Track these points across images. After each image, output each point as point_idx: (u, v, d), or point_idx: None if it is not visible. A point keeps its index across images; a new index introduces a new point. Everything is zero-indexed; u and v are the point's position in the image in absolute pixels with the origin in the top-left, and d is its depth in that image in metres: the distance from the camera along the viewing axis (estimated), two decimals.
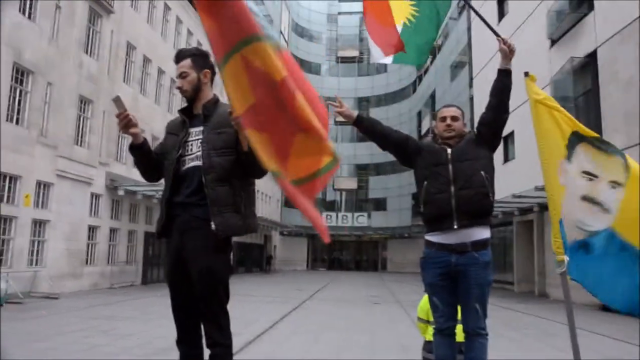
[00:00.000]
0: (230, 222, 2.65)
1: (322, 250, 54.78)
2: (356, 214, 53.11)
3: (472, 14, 28.07)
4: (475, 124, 3.47)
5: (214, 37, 2.44)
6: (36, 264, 15.10)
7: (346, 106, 3.51)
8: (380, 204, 53.03)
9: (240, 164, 2.70)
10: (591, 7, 15.83)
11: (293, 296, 17.08)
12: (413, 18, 3.73)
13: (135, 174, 17.65)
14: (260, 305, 13.85)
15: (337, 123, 51.76)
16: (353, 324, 10.44)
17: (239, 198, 2.71)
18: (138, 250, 21.15)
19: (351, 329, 9.55)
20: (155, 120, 21.93)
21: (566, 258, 3.30)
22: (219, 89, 3.04)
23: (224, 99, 2.88)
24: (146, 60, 21.95)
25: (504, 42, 3.26)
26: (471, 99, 28.03)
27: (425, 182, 3.32)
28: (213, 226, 2.62)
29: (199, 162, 2.75)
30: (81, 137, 17.39)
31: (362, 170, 54.64)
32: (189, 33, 26.60)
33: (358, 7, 58.11)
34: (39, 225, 15.29)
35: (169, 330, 2.88)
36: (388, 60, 3.88)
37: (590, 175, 3.36)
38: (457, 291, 3.23)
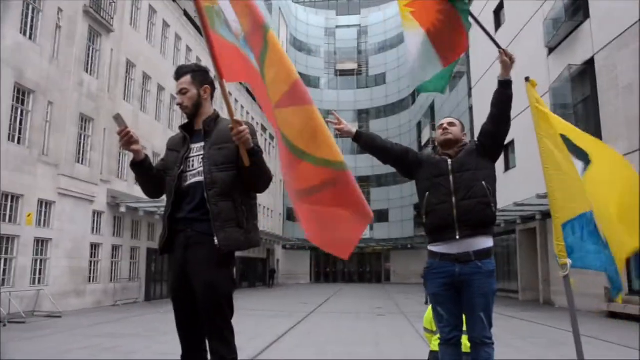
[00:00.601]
0: (233, 237, 2.65)
1: (325, 263, 54.61)
2: None
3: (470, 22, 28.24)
4: (476, 134, 3.48)
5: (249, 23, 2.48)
6: (39, 282, 15.08)
7: (345, 123, 3.54)
8: (382, 216, 52.94)
9: (241, 179, 2.71)
10: (587, 15, 15.94)
11: (297, 310, 17.00)
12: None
13: (137, 191, 17.71)
14: (265, 319, 13.78)
15: (337, 136, 51.90)
16: (358, 336, 10.38)
17: (242, 213, 2.72)
18: (141, 266, 21.11)
19: (356, 342, 9.49)
20: (156, 136, 22.00)
21: (569, 261, 3.30)
22: (219, 105, 3.06)
23: (224, 114, 2.90)
24: (146, 78, 22.08)
25: (505, 53, 3.28)
26: (470, 108, 28.13)
27: (427, 194, 3.33)
28: (216, 241, 2.62)
29: (200, 178, 2.75)
30: (82, 155, 17.45)
31: (364, 182, 54.57)
32: (188, 49, 26.78)
33: (355, 20, 58.60)
34: (41, 243, 15.29)
35: (173, 346, 2.87)
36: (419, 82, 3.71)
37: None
38: (462, 301, 3.22)
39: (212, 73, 2.80)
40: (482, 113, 20.57)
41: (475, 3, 26.61)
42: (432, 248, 3.34)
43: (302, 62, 56.11)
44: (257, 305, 19.24)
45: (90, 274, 17.73)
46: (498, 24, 24.00)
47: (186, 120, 3.00)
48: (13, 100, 14.12)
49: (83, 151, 17.51)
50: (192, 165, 2.83)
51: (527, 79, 3.60)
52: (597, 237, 3.36)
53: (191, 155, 2.86)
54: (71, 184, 16.40)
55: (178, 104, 2.96)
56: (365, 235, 51.96)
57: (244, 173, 2.68)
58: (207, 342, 2.74)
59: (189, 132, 2.93)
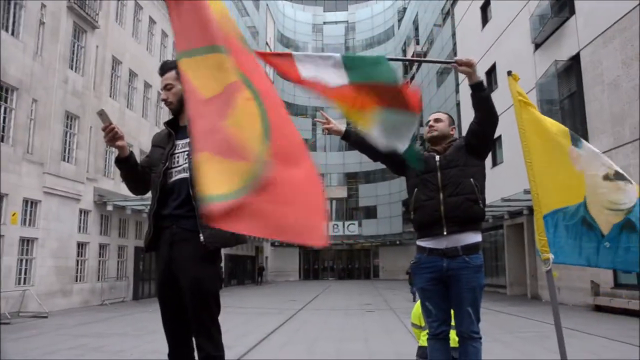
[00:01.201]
0: (219, 233, 2.62)
1: (314, 260, 54.67)
2: (347, 223, 53.08)
3: (457, 19, 28.39)
4: (464, 130, 3.47)
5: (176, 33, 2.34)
6: (24, 282, 14.90)
7: (333, 122, 3.52)
8: (370, 212, 53.09)
9: None
10: (572, 11, 16.05)
11: (286, 307, 16.99)
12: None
13: (124, 189, 17.54)
14: (254, 317, 13.75)
15: (325, 133, 51.93)
16: (347, 333, 10.39)
17: None
18: (128, 265, 20.96)
19: (345, 338, 9.50)
20: (142, 134, 21.83)
21: (551, 256, 3.31)
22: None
23: None
24: (132, 75, 21.89)
25: (458, 63, 3.13)
26: (458, 104, 28.25)
27: (416, 190, 3.34)
28: (202, 238, 2.60)
29: (186, 174, 2.73)
30: (68, 153, 17.26)
31: (352, 179, 54.73)
32: (174, 46, 26.55)
33: (343, 16, 58.58)
34: (26, 243, 15.11)
35: (162, 345, 2.84)
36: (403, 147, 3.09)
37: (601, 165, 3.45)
38: (450, 295, 3.22)
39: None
40: (469, 109, 20.78)
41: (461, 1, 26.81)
42: (420, 243, 3.35)
43: None
44: (246, 303, 19.21)
45: (77, 273, 17.57)
46: (485, 20, 24.10)
47: (171, 117, 2.96)
48: None
49: (69, 149, 17.32)
50: (178, 162, 2.80)
51: (509, 73, 3.58)
52: (579, 232, 3.35)
53: (176, 151, 2.83)
54: (57, 182, 16.22)
55: (163, 100, 2.93)
56: (353, 231, 52.31)
57: None
58: (193, 339, 2.72)
59: (174, 129, 2.90)
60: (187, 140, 2.80)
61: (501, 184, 19.20)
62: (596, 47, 14.60)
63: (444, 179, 3.24)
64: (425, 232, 3.30)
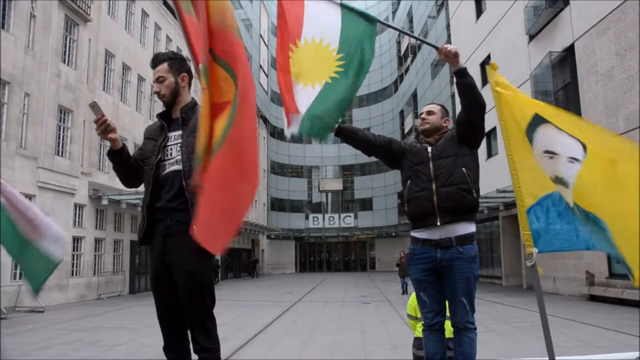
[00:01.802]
0: None
1: (310, 252, 54.81)
2: (343, 215, 53.18)
3: (451, 11, 28.32)
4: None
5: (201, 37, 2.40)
6: (20, 277, 14.85)
7: None
8: (366, 204, 53.18)
9: None
10: (566, 2, 16.04)
11: (283, 299, 17.03)
12: (336, 74, 3.36)
13: (119, 183, 17.47)
14: (250, 309, 13.78)
15: None
16: (344, 324, 10.43)
17: None
18: (124, 259, 20.93)
19: (342, 330, 9.54)
20: (136, 127, 21.74)
21: (535, 250, 3.31)
22: (198, 93, 3.00)
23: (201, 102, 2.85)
24: (125, 68, 21.76)
25: (440, 50, 3.23)
26: (452, 96, 28.25)
27: (409, 181, 3.35)
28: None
29: (179, 167, 2.72)
30: (62, 147, 17.17)
31: (347, 171, 54.75)
32: (168, 39, 26.44)
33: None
34: None
35: (158, 338, 2.84)
36: (293, 130, 3.32)
37: (551, 154, 3.37)
38: (444, 286, 3.23)
39: (190, 61, 2.75)
40: None
41: None
42: (414, 234, 3.35)
43: None
44: (242, 296, 19.24)
45: (72, 267, 17.53)
46: (479, 11, 24.05)
47: (164, 109, 2.95)
48: None
49: (63, 143, 17.22)
50: (170, 154, 2.79)
51: (487, 62, 3.57)
52: (572, 216, 3.33)
53: (169, 143, 2.81)
54: (51, 177, 16.15)
55: (155, 92, 2.91)
56: (349, 223, 52.43)
57: None
58: (188, 332, 2.72)
59: (166, 121, 2.88)
60: (180, 132, 2.79)
61: (496, 175, 19.24)
62: (590, 38, 14.61)
63: (436, 170, 3.25)
64: (418, 223, 3.30)
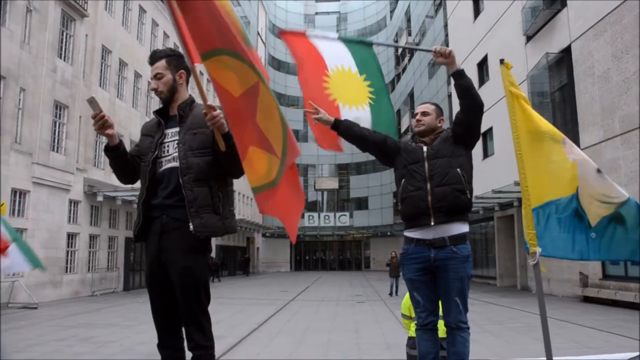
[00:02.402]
0: (209, 223, 2.62)
1: (305, 251, 54.82)
2: (338, 214, 53.20)
3: (449, 11, 28.34)
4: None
5: (194, 34, 2.40)
6: (13, 273, 14.79)
7: (322, 112, 3.50)
8: (361, 203, 53.21)
9: (217, 164, 2.67)
10: (564, 4, 16.07)
11: (277, 298, 17.03)
12: (373, 96, 3.73)
13: (114, 179, 17.45)
14: (245, 307, 13.78)
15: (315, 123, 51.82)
16: (338, 323, 10.43)
17: (217, 199, 2.68)
18: (119, 256, 20.88)
19: (336, 329, 9.54)
20: (133, 124, 21.68)
21: (538, 250, 3.30)
22: (194, 90, 3.00)
23: (198, 99, 2.85)
24: (122, 64, 21.69)
25: (435, 52, 3.26)
26: (449, 96, 28.27)
27: (403, 180, 3.35)
28: (191, 227, 2.59)
29: (175, 164, 2.71)
30: (57, 143, 17.10)
31: (343, 170, 54.77)
32: (165, 35, 26.37)
33: (335, 7, 58.34)
34: None
35: (152, 335, 2.83)
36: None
37: (600, 173, 3.38)
38: (437, 286, 3.24)
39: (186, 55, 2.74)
40: None
41: None
42: (408, 233, 3.35)
43: (281, 50, 55.67)
44: (237, 294, 19.24)
45: (67, 264, 17.48)
46: (477, 12, 24.08)
47: (161, 106, 2.94)
48: None
49: (58, 139, 17.16)
50: (167, 151, 2.78)
51: (501, 61, 3.56)
52: (572, 224, 3.32)
53: (166, 140, 2.80)
54: (46, 172, 16.08)
55: (153, 89, 2.90)
56: (345, 223, 52.45)
57: (220, 158, 2.64)
58: (183, 329, 2.71)
59: (163, 118, 2.88)
60: (177, 129, 2.78)
61: (492, 175, 19.31)
62: (587, 40, 14.65)
63: (431, 170, 3.25)
64: (412, 222, 3.30)
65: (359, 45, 3.71)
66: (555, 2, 16.63)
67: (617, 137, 13.11)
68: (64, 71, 17.23)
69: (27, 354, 7.11)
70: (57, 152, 16.94)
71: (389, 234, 48.72)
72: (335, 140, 3.62)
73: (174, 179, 2.69)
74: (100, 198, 18.84)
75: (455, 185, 3.20)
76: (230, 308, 13.29)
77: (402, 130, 44.54)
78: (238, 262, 40.51)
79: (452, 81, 3.27)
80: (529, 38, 18.47)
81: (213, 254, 30.06)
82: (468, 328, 3.18)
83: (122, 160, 2.85)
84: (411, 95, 41.39)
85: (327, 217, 53.07)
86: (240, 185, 37.51)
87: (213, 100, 2.52)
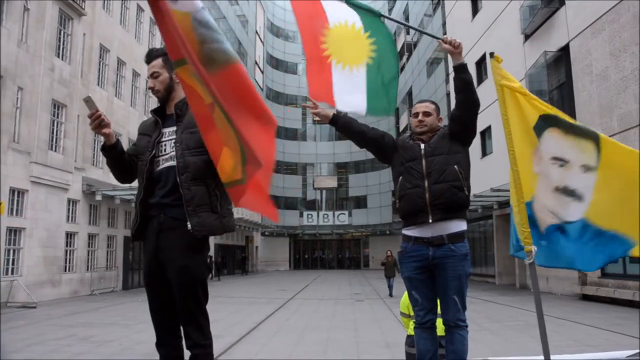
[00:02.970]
0: (207, 221, 2.61)
1: (304, 250, 54.84)
2: (337, 213, 53.21)
3: (447, 9, 28.34)
4: None
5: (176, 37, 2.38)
6: (12, 273, 14.79)
7: (321, 107, 3.50)
8: (360, 202, 53.22)
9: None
10: (562, 2, 16.08)
11: (276, 296, 17.03)
12: (374, 54, 3.59)
13: (113, 178, 17.43)
14: (244, 306, 13.77)
15: (315, 122, 51.83)
16: (337, 322, 10.43)
17: (215, 197, 2.67)
18: (118, 255, 20.86)
19: (335, 328, 9.54)
20: (131, 123, 21.64)
21: (534, 248, 3.28)
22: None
23: None
24: (120, 63, 21.65)
25: (444, 41, 3.25)
26: (448, 94, 28.29)
27: (401, 178, 3.34)
28: (189, 226, 2.58)
29: (173, 162, 2.70)
30: (55, 142, 17.07)
31: (342, 169, 54.76)
32: None
33: None
34: (14, 233, 14.97)
35: (151, 334, 2.83)
36: (361, 111, 3.57)
37: (561, 161, 3.35)
38: (436, 284, 3.23)
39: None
40: None
41: None
42: (406, 232, 3.35)
43: (279, 48, 55.68)
44: (236, 293, 19.24)
45: (65, 263, 17.47)
46: (475, 10, 24.08)
47: (158, 105, 2.93)
48: None
49: (56, 138, 17.13)
50: (164, 150, 2.77)
51: (491, 55, 3.51)
52: (557, 235, 3.32)
53: (163, 139, 2.80)
54: (44, 172, 16.06)
55: (150, 88, 2.89)
56: (343, 221, 52.46)
57: None
58: (181, 328, 2.71)
59: (160, 116, 2.87)
60: (174, 128, 2.77)
61: (490, 174, 19.30)
62: (585, 38, 14.65)
63: (429, 167, 3.25)
64: (410, 220, 3.30)
65: (368, 11, 3.68)
66: (553, 1, 16.63)
67: (615, 135, 13.11)
68: (62, 70, 17.20)
69: (26, 354, 7.10)
70: (55, 151, 16.92)
71: (387, 232, 48.75)
72: (330, 93, 3.48)
73: (171, 178, 2.69)
74: (98, 197, 18.82)
75: (453, 182, 3.20)
76: (229, 307, 13.28)
77: (401, 128, 44.56)
78: (237, 261, 40.50)
79: (454, 74, 3.26)
80: (527, 37, 18.47)
81: (212, 253, 30.08)
82: (466, 326, 3.18)
83: (119, 160, 2.85)
84: (409, 93, 41.40)
85: (326, 216, 53.09)
86: None
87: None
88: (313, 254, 55.29)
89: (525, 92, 3.43)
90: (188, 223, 2.58)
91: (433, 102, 3.57)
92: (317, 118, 3.56)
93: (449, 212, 3.19)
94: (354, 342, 7.90)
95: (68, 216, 17.68)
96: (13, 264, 14.91)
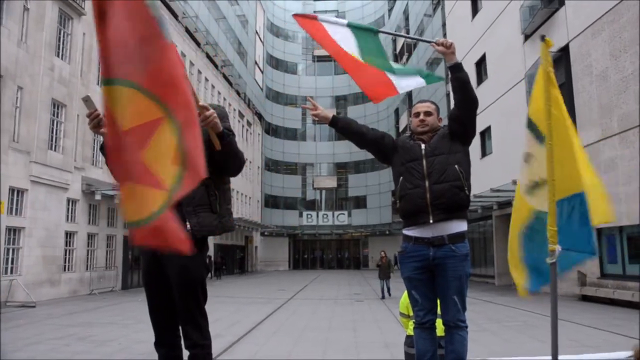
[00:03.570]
0: (206, 221, 2.61)
1: (304, 250, 54.85)
2: (336, 213, 53.21)
3: (447, 9, 28.34)
4: None
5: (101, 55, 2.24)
6: (11, 272, 14.78)
7: (320, 108, 3.50)
8: (360, 202, 53.22)
9: (213, 162, 2.66)
10: (562, 2, 16.09)
11: (276, 296, 17.02)
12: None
13: (113, 178, 17.41)
14: (243, 306, 13.77)
15: (314, 122, 51.89)
16: (336, 322, 10.43)
17: (214, 197, 2.68)
18: (117, 255, 20.86)
19: (334, 328, 9.54)
20: None
21: (558, 248, 3.21)
22: (202, 90, 2.98)
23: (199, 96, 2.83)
24: None
25: (437, 43, 3.26)
26: (447, 95, 28.27)
27: (401, 178, 3.34)
28: (188, 226, 2.58)
29: None
30: (55, 141, 17.06)
31: (342, 169, 54.75)
32: None
33: (333, 5, 58.28)
34: (13, 232, 14.96)
35: (150, 334, 2.82)
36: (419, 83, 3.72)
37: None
38: (436, 284, 3.23)
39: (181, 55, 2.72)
40: None
41: None
42: (407, 232, 3.35)
43: (279, 48, 55.67)
44: (235, 293, 19.23)
45: (65, 262, 17.45)
46: (475, 10, 24.07)
47: None
48: None
49: (56, 138, 17.12)
50: None
51: (542, 38, 3.34)
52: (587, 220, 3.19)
53: None
54: (44, 171, 16.05)
55: None
56: (343, 221, 52.46)
57: (216, 157, 2.63)
58: (180, 327, 2.71)
59: None
60: None
61: (490, 174, 19.31)
62: (585, 38, 14.66)
63: (429, 167, 3.25)
64: (411, 220, 3.29)
65: (366, 32, 3.77)
66: (553, 1, 16.63)
67: (615, 135, 13.13)
68: (62, 70, 17.20)
69: (25, 353, 7.10)
70: (54, 150, 16.91)
71: (387, 232, 48.76)
72: (386, 88, 3.59)
73: None
74: (98, 197, 18.81)
75: (454, 182, 3.20)
76: (228, 307, 13.28)
77: (401, 129, 44.58)
78: (237, 261, 40.48)
79: (450, 74, 3.27)
80: (527, 37, 18.47)
81: (211, 253, 30.06)
82: (466, 327, 3.18)
83: None
84: (409, 94, 41.39)
85: (325, 216, 53.09)
86: (238, 184, 37.49)
87: (204, 99, 2.48)
88: (312, 254, 55.27)
89: (557, 90, 3.34)
90: (187, 223, 2.58)
91: (433, 102, 3.57)
92: (316, 119, 3.55)
93: (449, 212, 3.18)
94: (353, 343, 7.89)
95: (67, 216, 17.67)
96: (12, 263, 14.90)
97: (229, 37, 38.18)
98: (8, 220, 14.60)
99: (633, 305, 11.80)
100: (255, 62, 47.21)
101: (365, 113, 51.42)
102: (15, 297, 14.23)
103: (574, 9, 15.34)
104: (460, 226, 3.24)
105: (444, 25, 29.70)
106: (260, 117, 48.82)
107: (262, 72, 50.19)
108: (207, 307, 2.73)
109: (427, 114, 3.43)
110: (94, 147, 19.49)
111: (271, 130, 52.75)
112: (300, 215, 53.16)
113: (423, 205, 3.19)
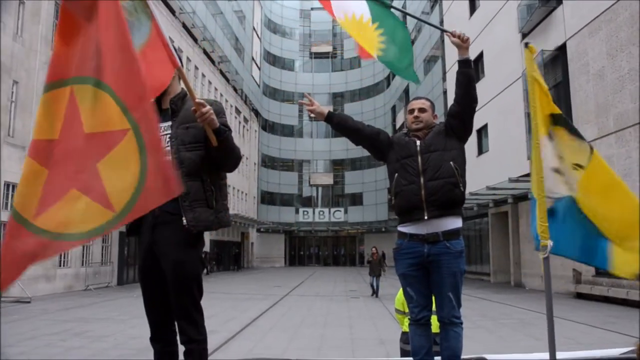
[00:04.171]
0: (202, 217, 2.61)
1: (300, 246, 54.89)
2: (333, 209, 53.24)
3: (445, 7, 28.33)
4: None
5: (57, 57, 2.23)
6: None
7: (317, 104, 3.50)
8: (356, 199, 53.26)
9: (210, 158, 2.66)
10: (559, 1, 16.10)
11: (271, 293, 17.03)
12: (383, 45, 3.70)
13: None
14: (239, 302, 13.77)
15: (311, 119, 51.78)
16: (332, 319, 10.45)
17: (210, 192, 2.67)
18: (113, 250, 20.82)
19: (330, 324, 9.56)
20: None
21: (550, 242, 3.27)
22: (200, 87, 2.97)
23: (197, 93, 2.82)
24: None
25: (453, 34, 3.27)
26: (445, 92, 28.30)
27: (396, 175, 3.34)
28: (184, 221, 2.58)
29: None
30: None
31: (338, 166, 54.75)
32: None
33: None
34: None
35: (145, 330, 2.82)
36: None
37: (560, 157, 3.43)
38: (431, 281, 3.23)
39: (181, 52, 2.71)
40: None
41: None
42: (401, 228, 3.35)
43: (276, 45, 55.56)
44: (231, 289, 19.23)
45: (60, 258, 17.41)
46: (473, 9, 24.07)
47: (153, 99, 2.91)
48: None
49: None
50: None
51: (526, 45, 3.55)
52: (587, 223, 3.33)
53: None
54: None
55: None
56: (339, 218, 52.49)
57: (213, 152, 2.63)
58: (175, 323, 2.70)
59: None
60: (169, 123, 2.76)
61: (486, 172, 19.35)
62: (582, 37, 14.68)
63: (424, 163, 3.25)
64: (405, 216, 3.30)
65: (379, 2, 3.80)
66: (551, 0, 16.65)
67: (611, 134, 13.17)
68: None
69: (20, 348, 7.08)
70: None
71: (383, 229, 48.83)
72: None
73: None
74: None
75: (449, 179, 3.20)
76: (224, 303, 13.27)
77: (397, 126, 44.61)
78: (233, 257, 40.47)
79: (458, 67, 3.29)
80: (524, 35, 18.48)
81: (207, 248, 30.03)
82: (461, 323, 3.18)
83: None
84: (406, 91, 41.41)
85: (321, 213, 53.12)
86: (235, 180, 37.43)
87: (200, 95, 2.47)
88: (308, 250, 55.32)
89: (546, 90, 3.50)
90: (183, 218, 2.58)
91: (428, 99, 3.56)
92: (312, 115, 3.55)
93: (444, 208, 3.18)
94: (348, 339, 7.91)
95: None
96: None
97: (226, 33, 38.07)
98: (2, 215, 14.55)
99: (627, 303, 11.86)
100: (253, 59, 47.10)
101: (362, 110, 51.44)
102: (10, 292, 14.17)
103: (571, 8, 15.36)
104: (455, 223, 3.24)
105: (441, 23, 29.66)
106: (257, 113, 48.76)
107: (259, 68, 50.09)
108: (202, 302, 2.73)
109: (422, 110, 3.43)
110: None
111: (268, 126, 52.69)
112: (297, 211, 53.17)
113: (418, 201, 3.19)
